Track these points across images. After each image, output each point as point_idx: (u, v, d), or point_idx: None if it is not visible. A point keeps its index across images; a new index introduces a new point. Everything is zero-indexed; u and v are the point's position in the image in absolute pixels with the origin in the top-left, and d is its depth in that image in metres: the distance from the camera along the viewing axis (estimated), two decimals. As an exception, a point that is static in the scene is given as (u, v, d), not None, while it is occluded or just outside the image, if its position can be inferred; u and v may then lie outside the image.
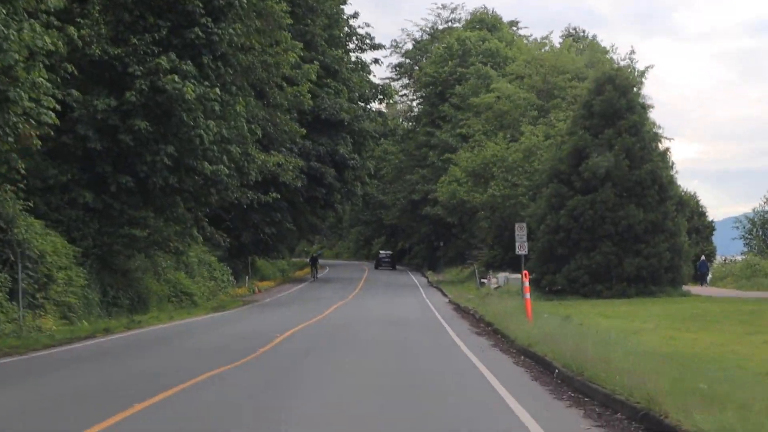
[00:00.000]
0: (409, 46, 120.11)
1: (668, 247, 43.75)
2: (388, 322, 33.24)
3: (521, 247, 38.73)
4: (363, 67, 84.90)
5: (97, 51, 37.18)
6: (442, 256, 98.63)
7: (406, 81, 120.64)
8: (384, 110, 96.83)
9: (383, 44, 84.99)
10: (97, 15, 37.75)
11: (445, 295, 58.52)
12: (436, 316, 36.56)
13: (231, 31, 41.52)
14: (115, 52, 38.11)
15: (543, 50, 75.23)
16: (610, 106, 44.80)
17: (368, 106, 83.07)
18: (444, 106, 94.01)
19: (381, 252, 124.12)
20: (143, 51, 38.61)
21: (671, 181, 45.22)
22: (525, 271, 27.57)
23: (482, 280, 59.61)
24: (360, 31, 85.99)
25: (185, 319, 37.79)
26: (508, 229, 70.44)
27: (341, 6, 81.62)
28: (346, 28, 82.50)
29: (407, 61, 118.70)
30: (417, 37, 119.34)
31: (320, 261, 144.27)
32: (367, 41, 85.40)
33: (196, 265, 58.26)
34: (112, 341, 26.08)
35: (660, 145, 46.80)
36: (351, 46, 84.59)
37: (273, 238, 76.60)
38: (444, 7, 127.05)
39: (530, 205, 65.77)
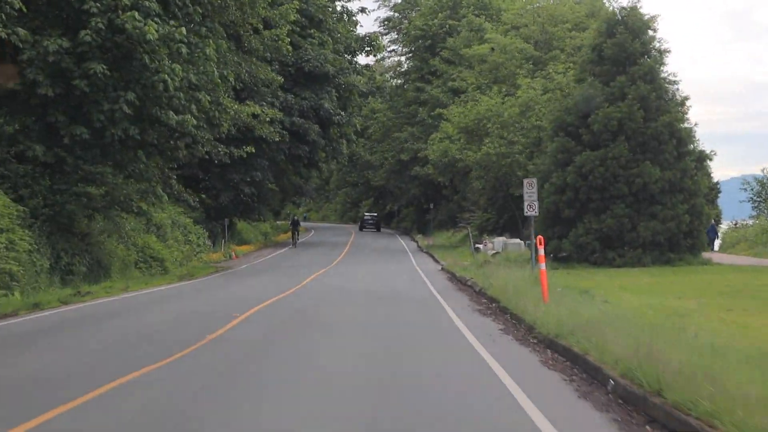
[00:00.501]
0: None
1: (687, 209, 38.97)
2: (374, 296, 28.73)
3: (530, 207, 33.75)
4: (349, 17, 79.98)
5: (46, -16, 32.56)
6: (432, 219, 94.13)
7: (394, 36, 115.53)
8: (371, 64, 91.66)
9: (371, -7, 79.29)
10: (44, -57, 33.05)
11: (437, 261, 54.13)
12: (430, 289, 32.02)
13: (199, -36, 36.83)
14: (67, -15, 33.50)
15: (539, -2, 70.36)
16: (622, 50, 39.87)
17: (355, 59, 78.09)
18: (434, 60, 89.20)
19: (366, 214, 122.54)
20: (99, -16, 33.97)
21: (690, 134, 40.29)
22: (539, 237, 22.88)
23: (476, 246, 55.17)
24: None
25: (141, 290, 33.21)
26: (502, 189, 66.12)
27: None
28: None
29: (396, 14, 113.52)
30: None
31: (305, 224, 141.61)
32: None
33: (168, 227, 54.01)
34: (20, 323, 21.19)
35: (678, 95, 41.87)
36: (336, -6, 79.67)
37: (253, 198, 72.10)
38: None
39: (527, 165, 61.42)
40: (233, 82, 39.78)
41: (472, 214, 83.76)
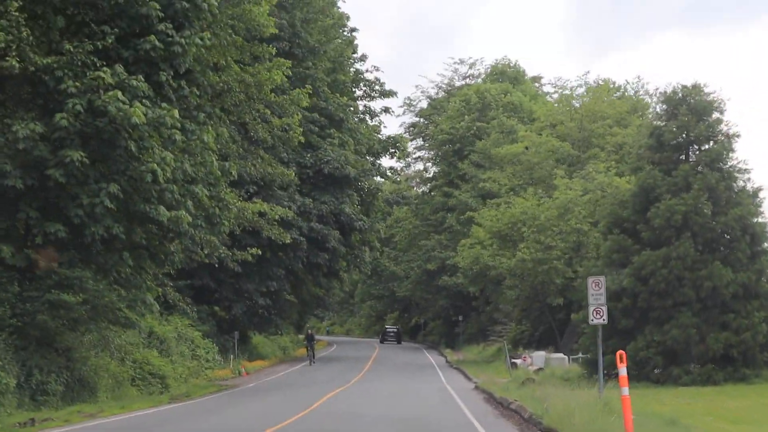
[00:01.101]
0: (424, 104, 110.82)
1: (765, 317, 33.29)
2: (396, 424, 23.15)
3: (598, 313, 26.89)
4: (372, 117, 75.58)
5: (14, 62, 27.95)
6: (461, 332, 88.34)
7: (420, 143, 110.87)
8: (396, 166, 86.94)
9: (395, 91, 74.83)
10: (16, 14, 28.53)
11: (469, 378, 48.45)
12: (466, 415, 26.21)
13: (198, 41, 32.14)
14: (43, 62, 28.91)
15: (575, 93, 65.42)
16: (685, 134, 34.69)
17: (378, 162, 73.33)
18: (463, 164, 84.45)
19: (387, 327, 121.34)
20: (81, 62, 29.38)
21: (765, 230, 34.64)
22: (621, 352, 17.32)
23: (513, 360, 49.42)
24: (368, 76, 76.41)
25: (118, 415, 27.74)
26: (539, 299, 60.58)
27: (348, 51, 72.63)
28: (352, 72, 72.89)
29: (421, 120, 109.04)
30: (432, 94, 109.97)
31: (327, 338, 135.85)
32: (377, 87, 75.67)
33: (173, 341, 48.79)
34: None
35: (750, 185, 36.14)
36: (358, 93, 75.09)
37: (269, 310, 66.76)
38: (461, 62, 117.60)
39: (566, 272, 56.04)
40: (235, 176, 34.66)
41: (504, 327, 78.01)
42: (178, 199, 31.79)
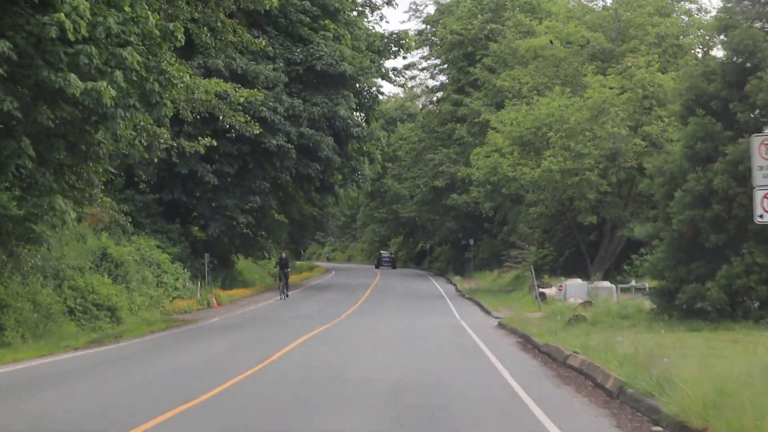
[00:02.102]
0: (431, 10, 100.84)
1: None
2: (392, 403, 14.26)
3: None
4: (372, 9, 65.94)
5: None
6: (472, 257, 79.31)
7: (426, 51, 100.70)
8: (399, 67, 76.76)
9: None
10: None
11: (487, 312, 39.72)
12: (504, 379, 17.03)
13: None
14: None
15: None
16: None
17: (379, 59, 63.54)
18: (475, 69, 74.86)
19: (382, 252, 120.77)
20: None
21: None
22: None
23: (541, 290, 40.50)
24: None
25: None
26: (565, 218, 51.71)
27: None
28: None
29: (428, 27, 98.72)
30: None
31: (327, 265, 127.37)
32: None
33: (133, 265, 40.34)
34: None
35: None
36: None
37: (254, 230, 58.07)
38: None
39: (601, 184, 47.11)
40: (181, 40, 25.35)
41: (521, 252, 69.22)
42: (99, 66, 22.79)
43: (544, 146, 49.76)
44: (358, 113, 61.41)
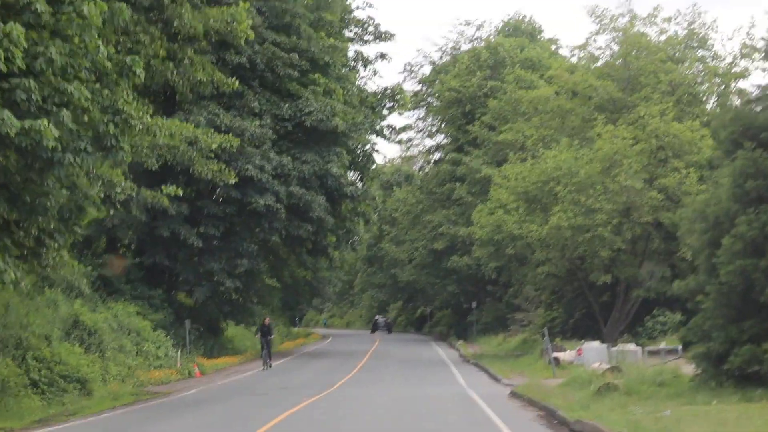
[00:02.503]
0: (426, 70, 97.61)
1: None
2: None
3: None
4: (365, 64, 62.90)
5: None
6: (475, 321, 75.60)
7: (422, 113, 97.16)
8: (394, 124, 73.52)
9: (392, 33, 61.73)
10: None
11: (496, 379, 36.21)
12: None
13: None
14: None
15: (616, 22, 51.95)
16: None
17: (373, 114, 60.37)
18: (474, 126, 71.85)
19: (377, 316, 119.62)
20: None
21: None
22: None
23: (555, 355, 36.89)
24: (360, 14, 63.26)
25: None
26: (576, 278, 48.32)
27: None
28: (339, 11, 59.38)
29: (424, 87, 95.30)
30: (436, 59, 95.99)
31: (325, 331, 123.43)
32: (370, 29, 62.67)
33: (108, 333, 37.08)
34: None
35: None
36: (348, 34, 62.04)
37: (243, 295, 54.60)
38: (468, 23, 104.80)
39: (615, 242, 43.80)
40: (141, 77, 21.96)
41: (527, 314, 65.72)
42: (40, 103, 19.56)
43: (552, 201, 46.48)
44: (351, 172, 58.23)
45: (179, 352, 42.04)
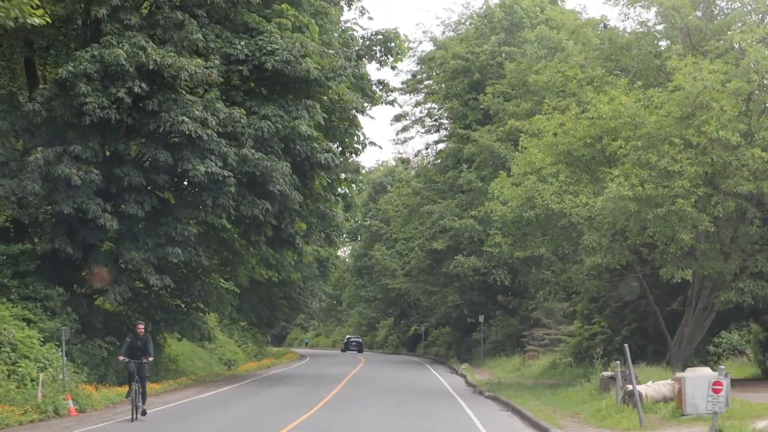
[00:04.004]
0: (427, 47, 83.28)
1: None
2: None
3: None
4: (349, 2, 48.62)
5: None
6: (482, 339, 61.23)
7: (421, 98, 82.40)
8: (387, 79, 58.15)
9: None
10: None
11: (537, 427, 22.16)
12: None
13: None
14: None
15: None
16: None
17: (359, 62, 46.05)
18: (485, 97, 57.93)
19: (349, 336, 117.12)
20: None
21: None
22: None
23: (631, 389, 22.93)
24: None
25: None
26: (634, 272, 34.57)
27: None
28: None
29: (422, 67, 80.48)
30: (437, 34, 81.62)
31: (304, 351, 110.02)
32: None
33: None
34: None
35: None
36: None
37: (179, 297, 40.83)
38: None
39: (700, 219, 30.04)
40: None
41: (549, 330, 52.16)
42: None
43: (607, 163, 32.70)
44: (330, 142, 44.07)
45: (40, 379, 27.82)
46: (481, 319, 60.05)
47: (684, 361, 33.18)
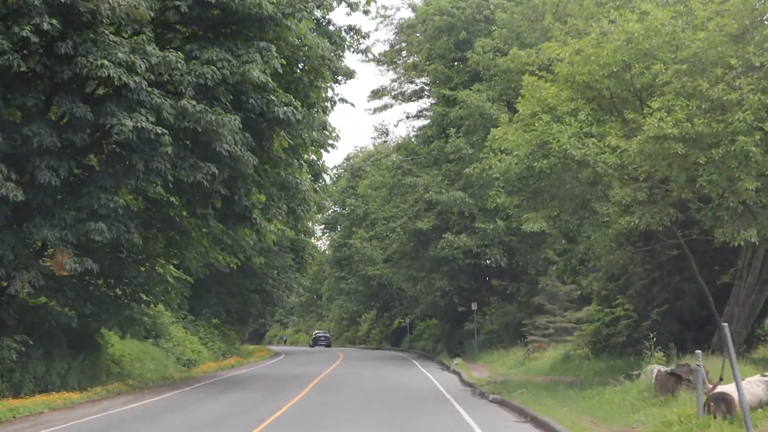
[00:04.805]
0: (406, 14, 75.72)
1: None
2: None
3: None
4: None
5: None
6: (476, 330, 53.70)
7: (400, 74, 74.62)
8: (359, 25, 50.30)
9: None
10: None
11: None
12: None
13: None
14: None
15: None
16: None
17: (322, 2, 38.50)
18: (473, 55, 50.66)
19: (317, 331, 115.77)
20: None
21: None
22: None
23: (719, 390, 15.83)
24: None
25: None
26: (674, 242, 27.38)
27: None
28: None
29: (401, 39, 72.78)
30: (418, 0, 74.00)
31: (280, 348, 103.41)
32: None
33: None
34: None
35: None
36: None
37: (111, 285, 33.64)
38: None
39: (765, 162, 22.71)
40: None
41: (553, 318, 45.14)
42: None
43: (638, 99, 25.51)
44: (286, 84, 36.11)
45: None
46: (474, 307, 52.56)
47: (737, 347, 26.13)
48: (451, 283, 56.76)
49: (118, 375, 37.76)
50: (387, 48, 74.49)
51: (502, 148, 27.33)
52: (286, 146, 34.83)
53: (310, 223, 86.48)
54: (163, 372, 43.09)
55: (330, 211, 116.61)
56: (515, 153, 25.89)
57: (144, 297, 36.60)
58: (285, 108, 32.26)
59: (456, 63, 57.25)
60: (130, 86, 27.80)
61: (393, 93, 74.68)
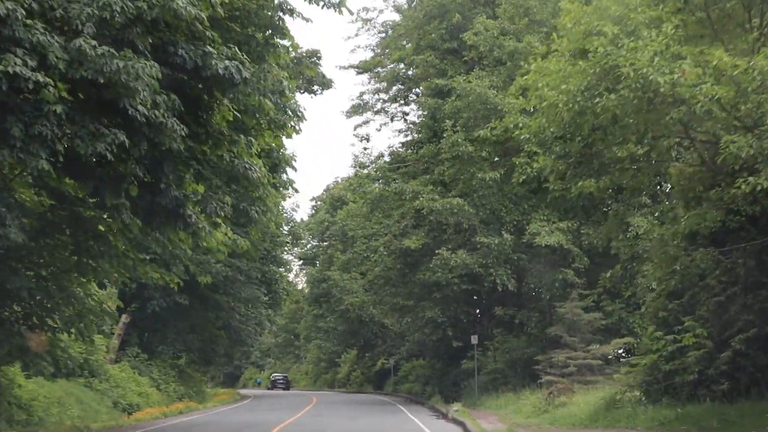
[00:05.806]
0: (392, 17, 67.36)
1: None
2: None
3: None
4: None
5: None
6: (476, 369, 44.17)
7: (382, 86, 65.56)
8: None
9: None
10: None
11: None
12: None
13: None
14: None
15: None
16: None
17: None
18: (471, 36, 42.12)
19: (275, 374, 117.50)
20: None
21: None
22: None
23: None
24: None
25: None
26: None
27: None
28: None
29: (385, 42, 63.89)
30: (402, 2, 65.19)
31: (250, 392, 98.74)
32: None
33: None
34: None
35: None
36: None
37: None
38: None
39: None
40: None
41: (572, 354, 36.42)
42: None
43: (746, 12, 16.76)
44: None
45: None
46: (474, 340, 43.31)
47: None
48: (445, 312, 47.51)
49: (24, 424, 29.25)
50: (370, 55, 66.46)
51: (538, 92, 18.26)
52: (231, 119, 25.73)
53: (285, 255, 78.75)
54: (93, 418, 34.70)
55: (308, 245, 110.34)
56: (563, 87, 16.92)
57: (38, 322, 27.88)
58: (227, 62, 23.21)
59: (449, 56, 48.68)
60: (1, 18, 19.00)
61: (375, 109, 65.58)
